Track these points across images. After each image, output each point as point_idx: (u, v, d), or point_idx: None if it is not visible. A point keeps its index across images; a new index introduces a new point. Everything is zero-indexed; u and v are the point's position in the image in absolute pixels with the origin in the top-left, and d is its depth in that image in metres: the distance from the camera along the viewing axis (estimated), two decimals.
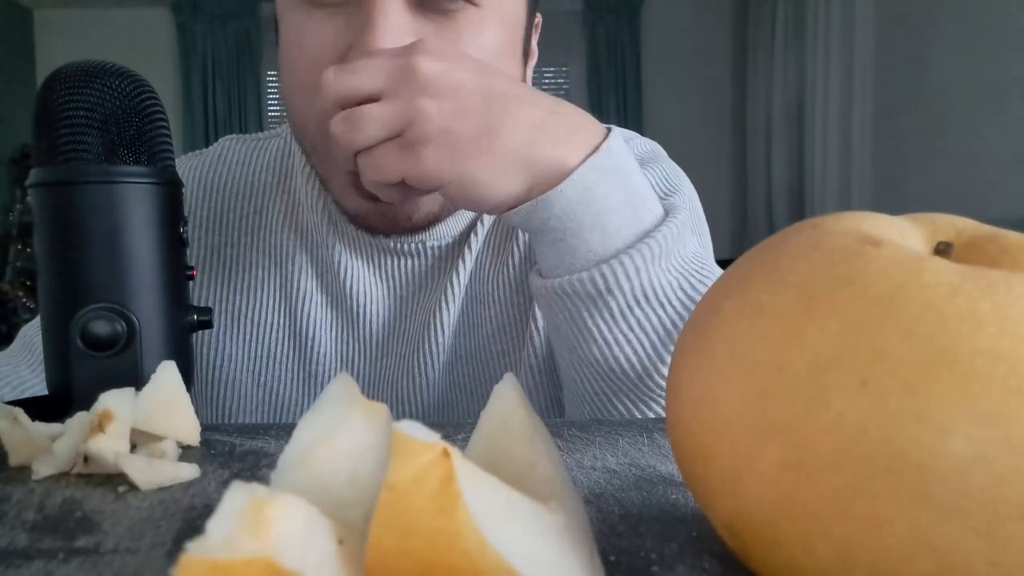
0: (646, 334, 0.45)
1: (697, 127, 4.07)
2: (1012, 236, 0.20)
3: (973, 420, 0.15)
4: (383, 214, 0.53)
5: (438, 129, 0.40)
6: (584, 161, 0.43)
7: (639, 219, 0.45)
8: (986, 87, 2.45)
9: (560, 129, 0.43)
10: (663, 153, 0.66)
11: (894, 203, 2.90)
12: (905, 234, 0.20)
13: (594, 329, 0.45)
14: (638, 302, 0.44)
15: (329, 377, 0.59)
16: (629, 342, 0.45)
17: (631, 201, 0.44)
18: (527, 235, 0.57)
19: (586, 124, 0.44)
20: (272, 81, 4.15)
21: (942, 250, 0.20)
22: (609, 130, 0.45)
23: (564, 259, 0.44)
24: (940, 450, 0.15)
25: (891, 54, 2.96)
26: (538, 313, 0.57)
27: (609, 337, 0.45)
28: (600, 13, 4.03)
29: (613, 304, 0.44)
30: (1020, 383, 0.15)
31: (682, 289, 0.45)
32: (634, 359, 0.45)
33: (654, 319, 0.45)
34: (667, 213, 0.47)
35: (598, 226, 0.43)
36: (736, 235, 4.00)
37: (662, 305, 0.45)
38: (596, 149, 0.43)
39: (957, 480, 0.15)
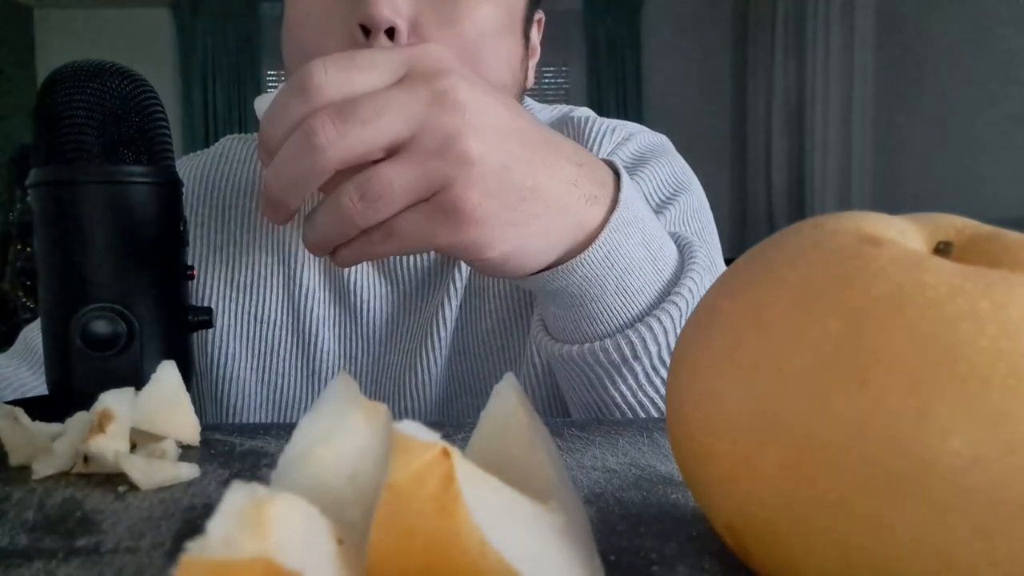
0: None
1: (697, 127, 4.07)
2: (1012, 236, 0.20)
3: (973, 420, 0.15)
4: None
5: (485, 187, 0.32)
6: (607, 221, 0.38)
7: (659, 272, 0.41)
8: (986, 87, 2.45)
9: (590, 186, 0.38)
10: (671, 147, 0.65)
11: (894, 203, 2.90)
12: (905, 234, 0.20)
13: (617, 396, 0.42)
14: (664, 363, 0.41)
15: (332, 373, 0.60)
16: (654, 403, 0.42)
17: (651, 254, 0.40)
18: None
19: (602, 172, 0.39)
20: (272, 81, 4.14)
21: (942, 250, 0.20)
22: (617, 172, 0.41)
23: (581, 325, 0.40)
24: (940, 450, 0.15)
25: (891, 55, 2.96)
26: None
27: (633, 401, 0.42)
28: (600, 13, 4.03)
29: (639, 369, 0.41)
30: (1020, 383, 0.15)
31: None
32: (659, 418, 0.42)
33: None
34: (680, 251, 0.44)
35: (621, 289, 0.39)
36: (736, 235, 4.00)
37: None
38: (616, 202, 0.38)
39: (957, 480, 0.15)
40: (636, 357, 0.40)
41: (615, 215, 0.38)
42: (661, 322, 0.40)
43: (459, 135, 0.32)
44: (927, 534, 0.16)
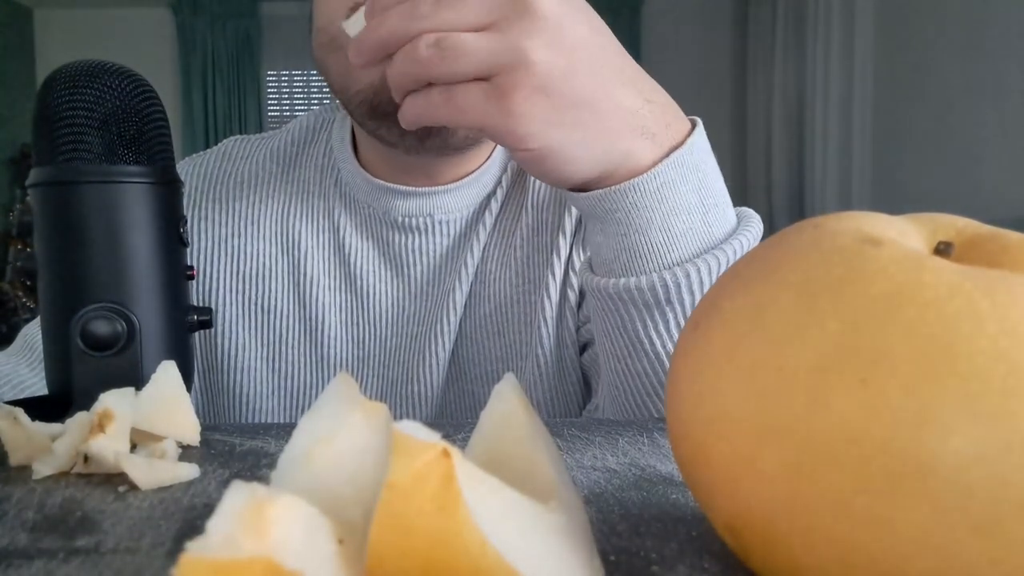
0: None
1: None
2: (1012, 236, 0.20)
3: (973, 420, 0.15)
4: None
5: (539, 84, 0.36)
6: (664, 158, 0.40)
7: (708, 226, 0.42)
8: (986, 87, 2.45)
9: (649, 122, 0.40)
10: None
11: (894, 203, 2.90)
12: (905, 234, 0.20)
13: (646, 341, 0.43)
14: None
15: (341, 359, 0.61)
16: None
17: (703, 205, 0.41)
18: (564, 215, 0.57)
19: (674, 119, 0.42)
20: (272, 81, 4.14)
21: (942, 250, 0.20)
22: (694, 124, 0.43)
23: (621, 256, 0.42)
24: (940, 450, 0.15)
25: (891, 54, 2.96)
26: (546, 304, 0.57)
27: (661, 351, 0.43)
28: (600, 13, 4.01)
29: (670, 316, 0.41)
30: (1020, 383, 0.15)
31: None
32: None
33: None
34: (740, 220, 0.45)
35: (665, 227, 0.40)
36: None
37: None
38: (679, 145, 0.41)
39: (957, 480, 0.15)
40: (669, 302, 0.41)
41: (676, 154, 0.40)
42: (698, 270, 0.40)
43: (529, 36, 0.35)
44: (927, 533, 0.16)
